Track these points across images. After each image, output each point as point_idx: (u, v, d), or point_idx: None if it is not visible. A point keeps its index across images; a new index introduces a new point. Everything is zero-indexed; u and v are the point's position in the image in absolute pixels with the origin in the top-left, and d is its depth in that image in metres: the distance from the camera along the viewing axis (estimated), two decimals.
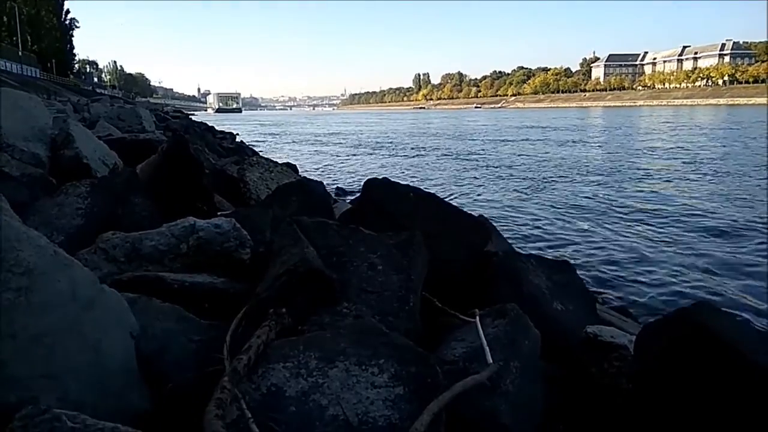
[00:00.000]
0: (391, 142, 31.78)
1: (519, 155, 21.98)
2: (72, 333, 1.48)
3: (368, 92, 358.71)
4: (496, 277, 2.75)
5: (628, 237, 8.13)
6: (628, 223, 9.12)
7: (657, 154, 21.03)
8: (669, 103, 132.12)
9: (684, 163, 17.90)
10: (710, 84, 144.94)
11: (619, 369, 2.23)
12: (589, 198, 11.68)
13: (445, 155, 22.92)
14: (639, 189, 12.79)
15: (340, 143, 32.59)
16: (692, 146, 24.21)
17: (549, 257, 3.45)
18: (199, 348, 1.82)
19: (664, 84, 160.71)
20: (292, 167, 7.91)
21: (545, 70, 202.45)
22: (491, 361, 1.81)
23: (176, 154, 3.91)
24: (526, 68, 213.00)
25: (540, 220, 9.57)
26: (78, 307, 1.53)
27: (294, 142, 36.09)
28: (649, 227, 8.82)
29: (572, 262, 3.44)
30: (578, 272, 3.32)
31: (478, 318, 2.09)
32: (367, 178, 3.17)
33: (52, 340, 1.41)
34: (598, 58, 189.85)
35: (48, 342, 1.40)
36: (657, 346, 1.89)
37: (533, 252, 6.40)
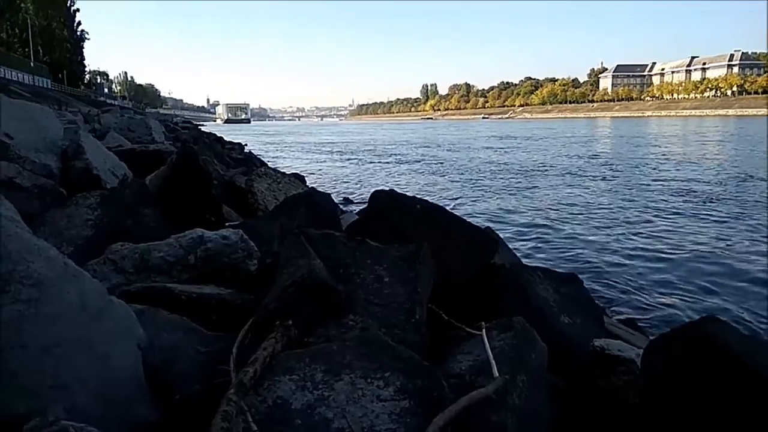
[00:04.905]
0: (398, 153, 31.86)
1: (526, 166, 21.95)
2: (81, 344, 1.49)
3: (376, 103, 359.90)
4: (502, 290, 2.74)
5: (636, 250, 8.09)
6: (637, 236, 9.08)
7: (665, 166, 20.94)
8: (677, 114, 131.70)
9: (692, 174, 17.83)
10: (719, 95, 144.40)
11: (626, 383, 2.22)
12: (597, 211, 11.64)
13: (452, 166, 22.93)
14: (648, 202, 12.72)
15: (348, 153, 32.69)
16: (700, 157, 24.12)
17: (556, 270, 3.43)
18: (206, 359, 1.83)
19: (672, 95, 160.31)
20: (299, 178, 7.95)
21: (553, 80, 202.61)
22: (498, 374, 1.80)
23: (185, 165, 3.94)
24: (534, 79, 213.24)
25: (547, 232, 9.54)
26: (87, 318, 1.55)
27: (302, 151, 36.27)
28: (658, 240, 8.77)
29: (579, 274, 3.42)
30: (585, 285, 3.30)
31: (484, 331, 2.08)
32: (373, 188, 3.18)
33: (62, 351, 1.42)
34: (606, 69, 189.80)
35: (57, 353, 1.41)
36: (665, 360, 1.88)
37: (540, 264, 6.37)
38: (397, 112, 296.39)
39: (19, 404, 1.31)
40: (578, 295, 3.07)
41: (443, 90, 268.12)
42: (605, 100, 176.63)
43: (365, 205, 3.18)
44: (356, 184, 17.32)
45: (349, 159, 28.71)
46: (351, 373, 1.58)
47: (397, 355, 1.65)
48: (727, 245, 8.29)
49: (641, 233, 9.27)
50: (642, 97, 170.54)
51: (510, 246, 4.91)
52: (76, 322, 1.51)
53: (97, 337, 1.55)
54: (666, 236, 9.01)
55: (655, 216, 10.82)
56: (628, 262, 7.35)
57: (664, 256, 7.69)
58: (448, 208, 3.11)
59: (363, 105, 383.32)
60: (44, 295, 1.46)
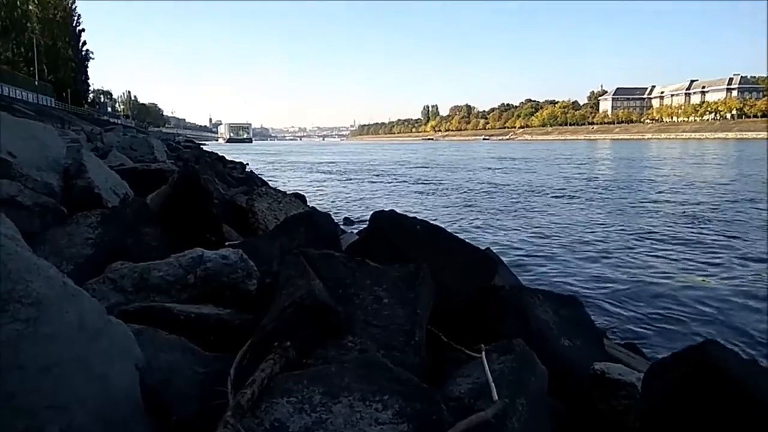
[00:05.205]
0: (398, 173, 31.97)
1: (526, 188, 22.00)
2: (79, 364, 1.48)
3: (377, 123, 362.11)
4: (502, 312, 2.73)
5: (636, 272, 8.07)
6: (637, 258, 9.07)
7: (664, 188, 20.99)
8: (677, 137, 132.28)
9: (692, 197, 17.86)
10: (718, 118, 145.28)
11: (627, 407, 2.20)
12: (598, 232, 11.64)
13: (452, 187, 22.99)
14: (648, 224, 12.72)
15: (349, 173, 32.80)
16: (699, 180, 24.19)
17: (556, 292, 3.42)
18: (204, 380, 1.81)
19: (672, 117, 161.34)
20: (300, 197, 7.99)
21: (553, 102, 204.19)
22: (497, 398, 1.79)
23: (186, 184, 3.95)
24: (534, 101, 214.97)
25: (547, 253, 9.53)
26: (85, 338, 1.54)
27: (303, 171, 36.41)
28: (658, 262, 8.76)
29: (579, 296, 3.41)
30: (586, 307, 3.29)
31: (484, 353, 2.07)
32: (374, 208, 3.19)
33: (60, 371, 1.42)
34: (606, 92, 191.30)
35: (56, 373, 1.41)
36: (665, 384, 1.87)
37: (540, 286, 6.35)
38: (398, 133, 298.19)
39: (17, 424, 1.31)
40: (578, 318, 3.06)
41: (444, 111, 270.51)
42: (605, 123, 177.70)
43: (365, 226, 3.19)
44: (357, 204, 17.36)
45: (349, 179, 28.80)
46: (349, 395, 1.57)
47: (396, 378, 1.64)
48: (727, 268, 8.28)
49: (641, 255, 9.26)
50: (642, 119, 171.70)
51: (510, 267, 4.90)
52: (74, 342, 1.50)
53: (95, 357, 1.54)
54: (666, 259, 9.00)
55: (655, 238, 10.82)
56: (628, 284, 7.33)
57: (664, 278, 7.67)
58: (448, 228, 3.11)
59: (364, 125, 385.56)
60: (43, 315, 1.45)
